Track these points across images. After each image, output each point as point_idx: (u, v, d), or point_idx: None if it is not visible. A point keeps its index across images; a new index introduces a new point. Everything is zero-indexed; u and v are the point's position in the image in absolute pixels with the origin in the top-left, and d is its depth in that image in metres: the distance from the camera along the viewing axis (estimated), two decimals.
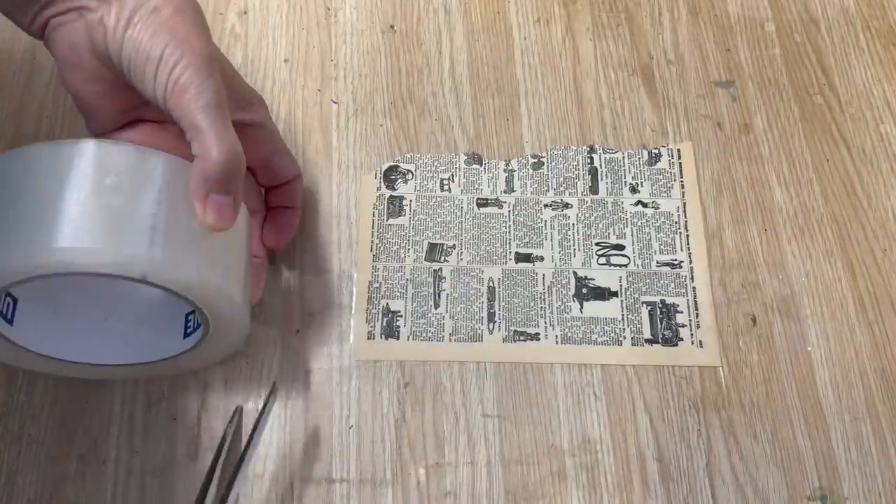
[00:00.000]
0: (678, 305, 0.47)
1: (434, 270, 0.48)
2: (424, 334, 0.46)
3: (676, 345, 0.46)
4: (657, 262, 0.48)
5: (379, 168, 0.50)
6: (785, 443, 0.44)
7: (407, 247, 0.48)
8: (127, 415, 0.43)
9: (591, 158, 0.51)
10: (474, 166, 0.50)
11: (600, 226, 0.49)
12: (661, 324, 0.46)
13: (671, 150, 0.51)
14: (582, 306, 0.47)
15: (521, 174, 0.50)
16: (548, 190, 0.50)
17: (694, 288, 0.47)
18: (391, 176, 0.50)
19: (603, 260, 0.48)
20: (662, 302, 0.47)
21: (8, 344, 0.39)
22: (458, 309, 0.47)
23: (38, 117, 0.51)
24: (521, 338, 0.46)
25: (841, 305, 0.47)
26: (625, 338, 0.46)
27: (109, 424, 0.43)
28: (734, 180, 0.50)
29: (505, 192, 0.50)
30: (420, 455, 0.43)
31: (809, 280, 0.48)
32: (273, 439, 0.43)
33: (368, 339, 0.46)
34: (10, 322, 0.39)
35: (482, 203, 0.50)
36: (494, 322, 0.46)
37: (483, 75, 0.53)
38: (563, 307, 0.47)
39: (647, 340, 0.46)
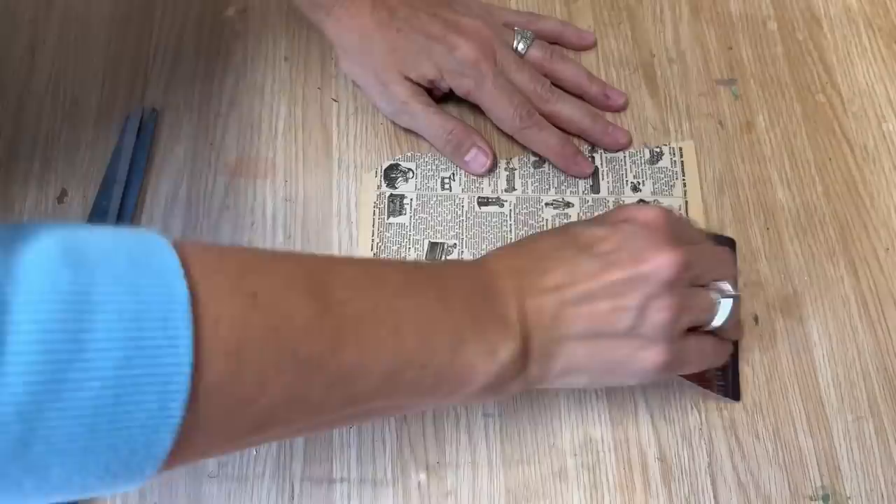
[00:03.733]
0: None
1: None
2: None
3: None
4: None
5: (379, 166, 0.50)
6: (787, 442, 0.43)
7: (408, 246, 0.48)
8: None
9: (593, 157, 0.51)
10: None
11: None
12: None
13: (673, 148, 0.51)
14: None
15: (522, 173, 0.50)
16: (549, 189, 0.50)
17: None
18: (392, 174, 0.50)
19: None
20: None
21: None
22: None
23: (37, 117, 0.51)
24: None
25: (843, 305, 0.47)
26: None
27: None
28: (736, 179, 0.50)
29: (506, 190, 0.50)
30: (421, 455, 0.43)
31: (812, 279, 0.47)
32: None
33: None
34: None
35: (483, 202, 0.49)
36: None
37: None
38: None
39: None
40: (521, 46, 0.50)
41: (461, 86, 0.49)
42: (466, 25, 0.49)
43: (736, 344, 0.45)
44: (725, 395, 0.44)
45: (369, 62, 0.49)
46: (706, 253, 0.40)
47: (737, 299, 0.40)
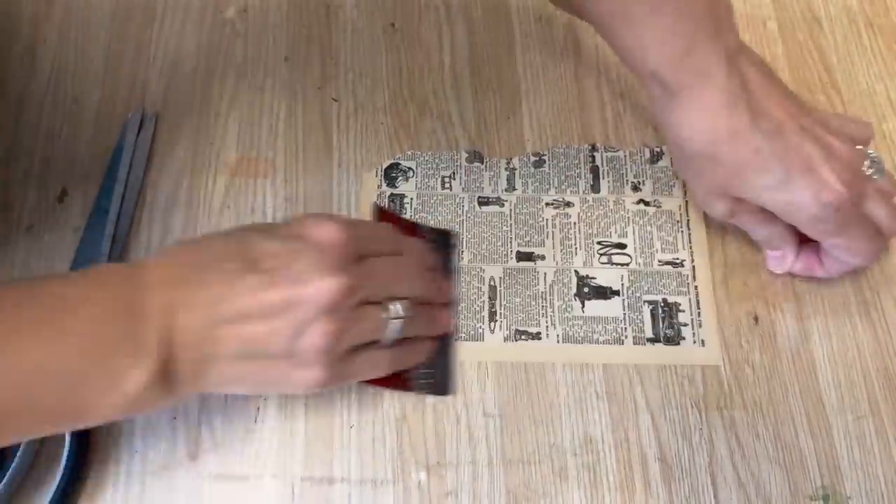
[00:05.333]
0: (680, 304, 0.47)
1: None
2: None
3: (678, 344, 0.46)
4: (659, 261, 0.48)
5: (380, 166, 0.50)
6: (787, 442, 0.43)
7: None
8: None
9: (593, 157, 0.51)
10: (475, 164, 0.50)
11: (602, 224, 0.49)
12: (663, 323, 0.46)
13: None
14: (583, 305, 0.47)
15: (522, 172, 0.50)
16: (549, 188, 0.50)
17: (696, 287, 0.47)
18: (392, 174, 0.50)
19: (604, 259, 0.48)
20: (664, 301, 0.47)
21: None
22: (459, 308, 0.46)
23: (37, 118, 0.51)
24: (523, 337, 0.46)
25: (843, 304, 0.47)
26: (626, 337, 0.46)
27: (110, 425, 0.43)
28: None
29: (506, 190, 0.50)
30: (421, 454, 0.43)
31: (811, 279, 0.47)
32: (273, 439, 0.43)
33: None
34: None
35: (483, 201, 0.49)
36: (496, 321, 0.46)
37: (484, 73, 0.53)
38: (564, 306, 0.46)
39: (648, 339, 0.46)
40: (877, 177, 0.43)
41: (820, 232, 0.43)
42: (838, 152, 0.41)
43: (447, 338, 0.45)
44: (431, 391, 0.44)
45: (709, 175, 0.43)
46: (381, 271, 0.39)
47: (403, 320, 0.39)
